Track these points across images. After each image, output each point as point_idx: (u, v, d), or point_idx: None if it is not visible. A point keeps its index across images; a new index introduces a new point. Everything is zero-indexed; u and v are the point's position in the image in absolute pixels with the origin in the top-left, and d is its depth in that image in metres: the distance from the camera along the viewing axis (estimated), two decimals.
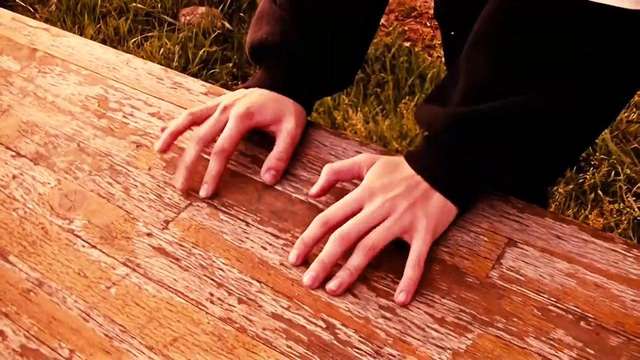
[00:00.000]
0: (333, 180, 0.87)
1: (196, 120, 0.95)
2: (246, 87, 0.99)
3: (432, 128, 0.85)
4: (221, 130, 0.92)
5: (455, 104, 0.83)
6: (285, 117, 0.95)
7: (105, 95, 1.09)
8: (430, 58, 3.06)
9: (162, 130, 0.96)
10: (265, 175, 0.91)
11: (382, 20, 3.48)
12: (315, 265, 0.78)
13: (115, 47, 3.13)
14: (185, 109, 1.05)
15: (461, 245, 0.82)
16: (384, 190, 0.81)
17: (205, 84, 1.11)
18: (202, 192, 0.90)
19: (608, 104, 0.84)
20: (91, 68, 1.16)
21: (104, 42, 3.28)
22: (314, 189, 0.87)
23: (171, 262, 0.82)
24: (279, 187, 0.91)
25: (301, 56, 0.98)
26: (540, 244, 0.82)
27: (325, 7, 0.98)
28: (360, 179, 0.85)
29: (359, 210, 0.81)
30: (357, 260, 0.78)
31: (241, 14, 3.41)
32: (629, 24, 0.75)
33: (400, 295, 0.76)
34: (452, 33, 1.22)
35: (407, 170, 0.84)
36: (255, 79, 1.00)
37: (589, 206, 2.31)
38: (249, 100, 0.94)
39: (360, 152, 0.95)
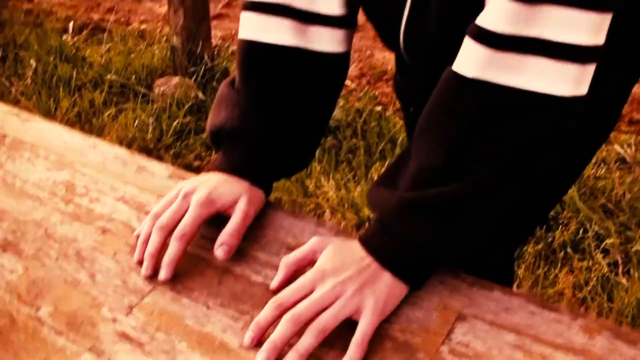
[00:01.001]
0: (291, 272, 0.90)
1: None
2: (207, 171, 1.03)
3: (383, 212, 0.89)
4: (182, 217, 0.96)
5: (404, 188, 0.87)
6: (240, 197, 0.98)
7: (72, 180, 1.13)
8: (401, 121, 3.12)
9: (137, 238, 0.99)
10: (218, 250, 0.94)
11: (353, 85, 3.55)
12: (266, 346, 0.81)
13: (90, 120, 3.18)
14: (150, 192, 1.08)
15: (412, 322, 0.85)
16: (335, 273, 0.85)
17: (169, 166, 1.14)
18: (161, 276, 0.93)
19: (555, 182, 0.88)
20: (59, 152, 1.20)
21: (79, 115, 3.32)
22: (274, 284, 0.90)
23: (135, 347, 0.84)
24: (238, 270, 0.94)
25: (258, 141, 1.02)
26: (489, 317, 0.85)
27: (281, 93, 1.03)
28: (315, 263, 0.89)
29: (312, 292, 0.84)
30: (307, 341, 0.81)
31: (214, 84, 3.46)
32: (566, 108, 0.80)
33: None
34: (411, 109, 1.26)
35: (358, 252, 0.87)
36: (216, 163, 1.04)
37: (559, 264, 2.35)
38: (208, 186, 0.98)
39: (317, 232, 0.98)
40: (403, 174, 0.89)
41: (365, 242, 0.88)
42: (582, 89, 0.82)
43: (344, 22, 1.04)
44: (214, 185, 0.98)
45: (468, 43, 0.82)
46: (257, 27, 1.02)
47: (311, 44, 1.02)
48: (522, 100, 0.79)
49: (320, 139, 1.12)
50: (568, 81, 0.80)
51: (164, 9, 4.55)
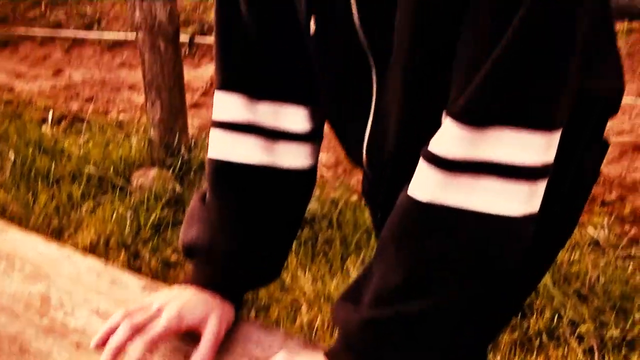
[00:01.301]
0: None
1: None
2: (181, 283, 1.06)
3: (347, 329, 0.91)
4: (154, 324, 0.98)
5: (367, 304, 0.89)
6: (210, 316, 1.00)
7: (47, 293, 1.15)
8: None
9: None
10: None
11: (329, 175, 3.59)
12: None
13: (68, 214, 3.19)
14: (124, 304, 1.10)
15: None
16: None
17: (143, 278, 1.17)
18: None
19: (523, 281, 0.91)
20: (35, 264, 1.22)
21: (57, 208, 3.34)
22: None
23: None
24: None
25: (228, 257, 1.05)
26: None
27: (251, 209, 1.07)
28: None
29: None
30: None
31: (192, 176, 3.50)
32: (519, 226, 0.83)
33: None
34: (379, 215, 1.29)
35: None
36: (188, 276, 1.06)
37: (535, 352, 2.37)
38: (180, 302, 1.00)
39: (286, 345, 1.00)
40: (367, 289, 0.91)
41: (331, 358, 0.90)
42: (534, 207, 0.85)
43: (310, 138, 1.08)
44: (185, 302, 1.00)
45: (421, 167, 0.85)
46: (226, 147, 1.06)
47: (279, 161, 1.06)
48: (476, 222, 0.82)
49: (289, 248, 1.15)
50: (520, 200, 0.83)
51: (142, 98, 4.61)
